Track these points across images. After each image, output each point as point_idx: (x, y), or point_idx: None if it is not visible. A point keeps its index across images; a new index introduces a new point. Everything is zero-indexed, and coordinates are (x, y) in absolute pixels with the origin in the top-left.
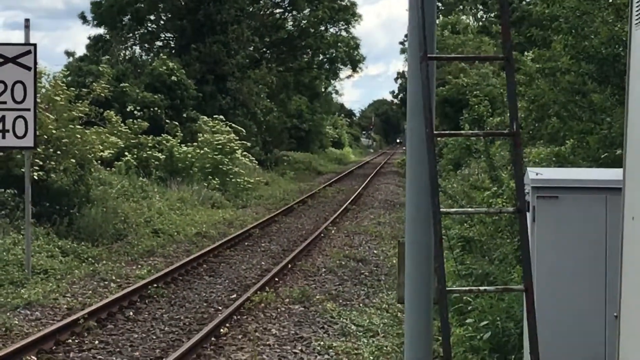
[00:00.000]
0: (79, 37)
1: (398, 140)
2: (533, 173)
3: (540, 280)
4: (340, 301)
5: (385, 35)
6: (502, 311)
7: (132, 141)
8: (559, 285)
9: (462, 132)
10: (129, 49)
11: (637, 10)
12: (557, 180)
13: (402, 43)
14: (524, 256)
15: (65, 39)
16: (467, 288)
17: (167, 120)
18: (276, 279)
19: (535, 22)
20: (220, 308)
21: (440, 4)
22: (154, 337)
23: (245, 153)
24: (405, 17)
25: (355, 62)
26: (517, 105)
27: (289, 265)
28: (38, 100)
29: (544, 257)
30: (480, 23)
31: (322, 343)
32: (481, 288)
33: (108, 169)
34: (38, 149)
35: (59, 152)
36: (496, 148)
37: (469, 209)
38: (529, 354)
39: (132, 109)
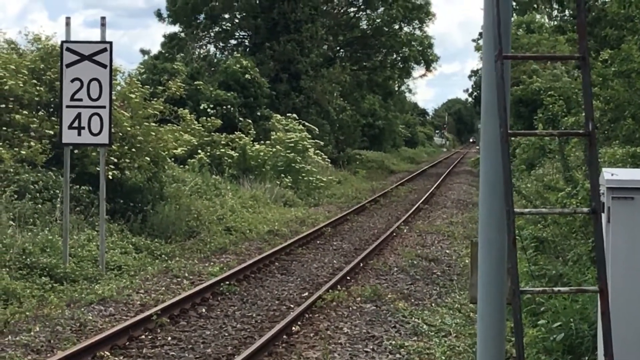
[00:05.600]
0: (157, 36)
1: (471, 140)
2: (608, 174)
3: (615, 281)
4: (412, 300)
5: (461, 34)
6: (575, 312)
7: (205, 139)
8: (634, 287)
9: (537, 131)
10: (204, 47)
11: None
12: (632, 181)
13: (475, 41)
14: (598, 257)
15: (144, 37)
16: (541, 289)
17: (241, 118)
18: (348, 278)
19: (610, 22)
20: (292, 306)
21: (514, 3)
22: (226, 334)
23: (318, 151)
24: (482, 17)
25: (428, 61)
26: (592, 105)
27: (361, 264)
28: (113, 97)
29: (619, 258)
30: (555, 22)
31: (393, 342)
32: (555, 289)
33: (181, 166)
34: (113, 146)
35: (133, 150)
36: (570, 148)
37: (543, 210)
38: (602, 356)
39: (206, 107)
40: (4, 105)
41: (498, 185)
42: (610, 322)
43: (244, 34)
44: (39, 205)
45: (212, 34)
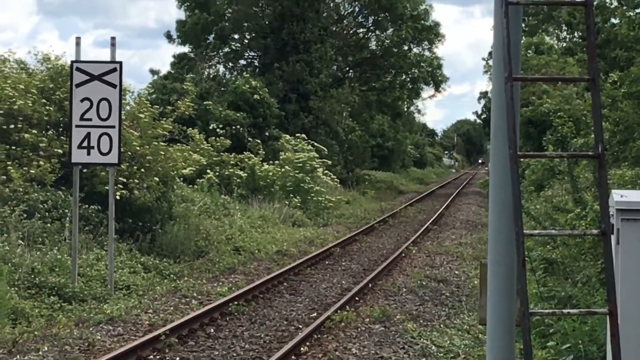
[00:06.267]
0: (167, 56)
1: (480, 161)
2: (618, 195)
3: (624, 303)
4: (421, 321)
5: (471, 55)
6: (584, 334)
7: (214, 159)
8: None
9: (546, 153)
10: (213, 67)
11: None
12: None
13: (484, 59)
14: (608, 279)
15: (154, 58)
16: (550, 310)
17: (250, 139)
18: (357, 298)
19: (620, 44)
20: (300, 326)
21: (523, 25)
22: (235, 355)
23: (326, 172)
24: (491, 38)
25: (438, 82)
26: (602, 127)
27: (370, 285)
28: (123, 117)
29: (629, 280)
30: (564, 44)
31: None
32: (564, 311)
33: (190, 186)
34: (122, 166)
35: (142, 169)
36: (580, 169)
37: (552, 231)
38: None
39: (215, 127)
40: (13, 125)
41: (507, 207)
42: (620, 345)
43: (253, 54)
44: (48, 225)
45: (221, 54)
